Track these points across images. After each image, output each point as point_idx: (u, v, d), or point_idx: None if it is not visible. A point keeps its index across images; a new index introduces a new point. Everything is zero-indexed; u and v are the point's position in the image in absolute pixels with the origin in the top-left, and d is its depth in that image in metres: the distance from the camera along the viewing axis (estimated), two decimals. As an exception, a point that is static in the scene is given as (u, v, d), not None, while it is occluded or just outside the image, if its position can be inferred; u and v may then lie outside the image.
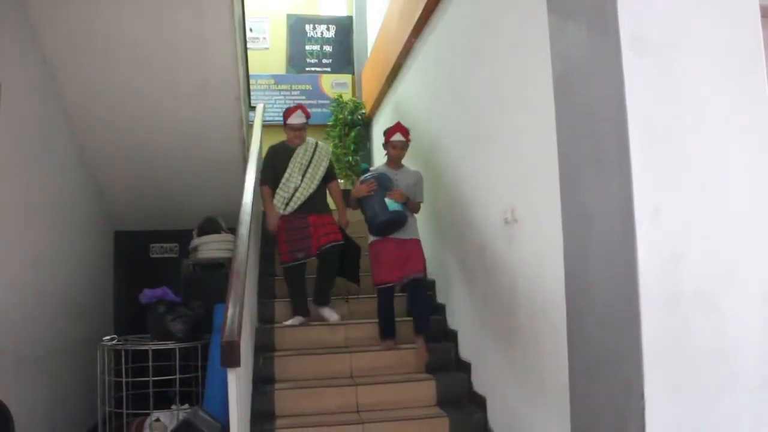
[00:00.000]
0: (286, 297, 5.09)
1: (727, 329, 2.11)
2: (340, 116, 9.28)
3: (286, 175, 4.95)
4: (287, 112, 5.09)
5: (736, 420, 2.09)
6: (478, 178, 4.36)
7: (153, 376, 4.27)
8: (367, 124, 9.41)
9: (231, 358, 3.12)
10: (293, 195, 4.90)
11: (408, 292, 4.78)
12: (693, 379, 2.07)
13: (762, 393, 2.10)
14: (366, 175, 4.83)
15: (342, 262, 5.03)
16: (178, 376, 4.30)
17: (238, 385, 3.16)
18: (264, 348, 4.62)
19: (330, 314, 4.97)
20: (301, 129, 5.03)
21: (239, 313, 3.35)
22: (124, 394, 4.33)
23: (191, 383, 4.56)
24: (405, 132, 4.86)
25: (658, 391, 2.02)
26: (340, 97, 9.53)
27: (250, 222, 4.41)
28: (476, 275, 4.37)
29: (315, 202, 4.97)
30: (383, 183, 4.59)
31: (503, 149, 3.84)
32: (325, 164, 5.08)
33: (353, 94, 10.10)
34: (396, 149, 4.80)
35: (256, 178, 4.92)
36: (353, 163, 9.38)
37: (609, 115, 2.25)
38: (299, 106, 5.12)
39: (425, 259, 4.69)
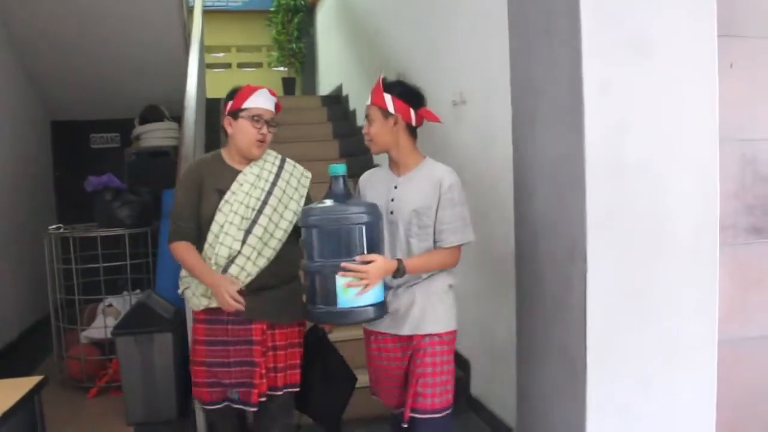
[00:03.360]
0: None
1: (665, 198, 2.23)
2: (283, 1, 8.96)
3: (220, 217, 2.53)
4: (243, 92, 2.58)
5: (669, 282, 2.24)
6: (427, 60, 4.33)
7: (103, 263, 4.27)
8: (310, 9, 9.14)
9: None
10: (232, 261, 2.51)
11: None
12: (632, 243, 2.19)
13: (693, 256, 2.25)
14: (318, 205, 2.31)
15: (311, 395, 2.75)
16: (128, 262, 4.31)
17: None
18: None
19: None
20: (267, 124, 2.57)
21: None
22: (74, 282, 4.33)
23: (141, 269, 4.58)
24: (379, 95, 2.42)
25: (599, 254, 2.14)
26: (283, -20, 9.17)
27: (195, 107, 4.32)
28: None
29: (274, 284, 2.59)
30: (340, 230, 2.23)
31: (453, 30, 3.81)
32: (297, 199, 2.65)
33: (296, -22, 9.73)
34: (372, 135, 2.45)
35: (200, 64, 4.76)
36: (296, 50, 9.18)
37: (561, -12, 2.25)
38: (263, 86, 2.64)
39: (451, 380, 2.44)
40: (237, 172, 2.58)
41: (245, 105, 2.53)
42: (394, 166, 2.49)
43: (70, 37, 5.36)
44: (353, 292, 2.16)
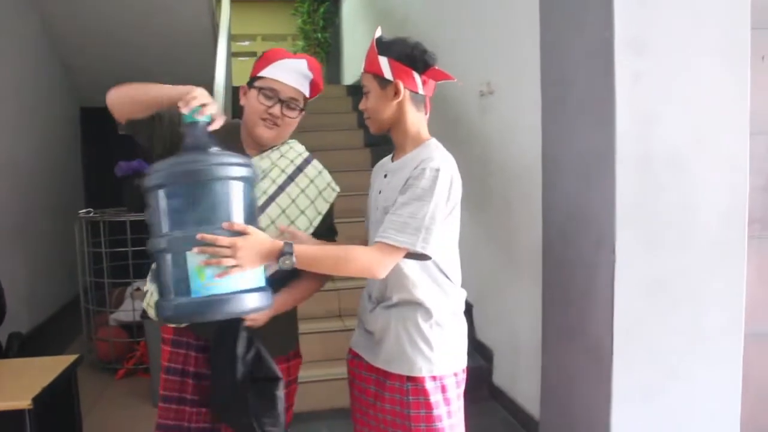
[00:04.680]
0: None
1: (694, 190, 2.24)
2: (310, -10, 9.02)
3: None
4: (266, 56, 1.93)
5: (695, 273, 2.26)
6: (453, 50, 4.34)
7: (132, 247, 4.35)
8: (336, -1, 9.17)
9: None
10: None
11: None
12: (660, 234, 2.21)
13: (720, 247, 2.26)
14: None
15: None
16: (157, 246, 4.37)
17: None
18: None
19: None
20: (283, 103, 1.86)
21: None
22: (104, 265, 4.41)
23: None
24: (373, 60, 1.82)
25: (627, 244, 2.16)
26: (309, -30, 9.21)
27: (224, 96, 4.39)
28: (449, 148, 4.44)
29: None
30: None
31: (480, 18, 3.82)
32: (311, 217, 1.93)
33: (322, -33, 9.76)
34: (369, 110, 1.87)
35: (228, 52, 4.81)
36: (322, 39, 9.21)
37: (594, -21, 2.26)
38: (304, 56, 1.98)
39: None
40: (246, 155, 1.77)
41: (262, 73, 1.84)
42: (395, 149, 1.93)
43: (101, 25, 5.43)
44: (211, 273, 1.47)
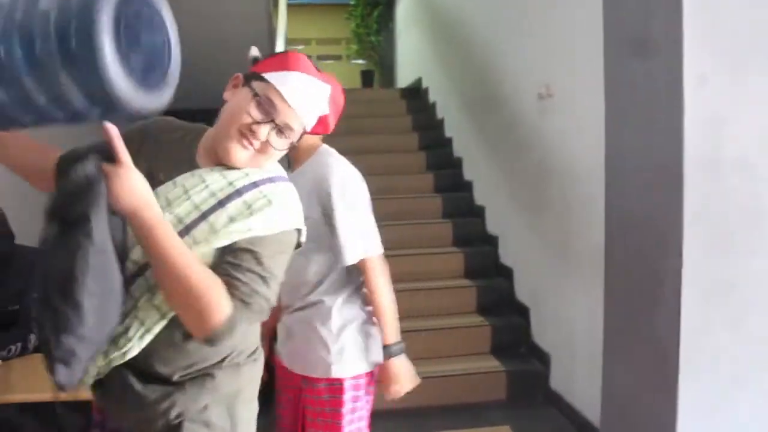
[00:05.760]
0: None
1: (763, 193, 2.18)
2: (364, -6, 9.10)
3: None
4: (282, 59, 1.37)
5: (766, 278, 2.20)
6: (509, 53, 4.32)
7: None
8: (390, 3, 9.21)
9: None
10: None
11: None
12: (727, 238, 2.15)
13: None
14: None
15: None
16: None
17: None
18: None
19: None
20: (284, 135, 1.32)
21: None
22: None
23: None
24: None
25: (694, 249, 2.12)
26: (363, -26, 9.30)
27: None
28: (504, 151, 4.43)
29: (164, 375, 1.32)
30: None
31: (539, 19, 3.80)
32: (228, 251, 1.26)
33: (376, -29, 9.84)
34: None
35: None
36: (375, 43, 9.28)
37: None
38: (331, 80, 1.67)
39: None
40: (194, 167, 1.34)
41: (268, 75, 1.32)
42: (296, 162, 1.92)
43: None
44: None
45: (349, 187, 1.83)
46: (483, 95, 4.85)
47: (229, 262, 1.23)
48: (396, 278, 4.34)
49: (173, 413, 1.30)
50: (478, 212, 4.89)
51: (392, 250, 4.37)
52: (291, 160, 1.88)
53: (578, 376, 3.31)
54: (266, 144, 1.30)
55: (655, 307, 2.27)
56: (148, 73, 1.04)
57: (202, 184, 1.30)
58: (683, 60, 2.13)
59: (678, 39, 2.14)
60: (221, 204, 1.26)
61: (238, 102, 1.32)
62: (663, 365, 2.22)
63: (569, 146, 3.38)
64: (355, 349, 1.88)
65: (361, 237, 1.83)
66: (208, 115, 4.97)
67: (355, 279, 1.92)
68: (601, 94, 2.72)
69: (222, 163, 1.33)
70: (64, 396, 1.42)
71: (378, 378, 1.90)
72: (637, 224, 2.40)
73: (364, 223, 1.86)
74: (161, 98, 1.10)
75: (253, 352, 1.44)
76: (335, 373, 1.84)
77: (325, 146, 1.92)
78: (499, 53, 4.49)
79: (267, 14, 5.89)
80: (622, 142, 2.55)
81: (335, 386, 1.85)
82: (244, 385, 1.41)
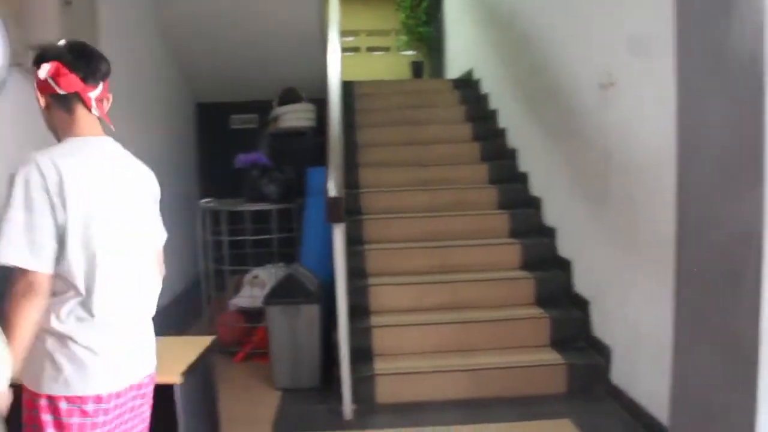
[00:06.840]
0: (370, 164, 5.16)
1: None
2: (413, -15, 9.07)
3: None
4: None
5: None
6: (566, 41, 4.25)
7: (251, 236, 4.52)
8: (440, -7, 9.17)
9: (336, 214, 3.28)
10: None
11: None
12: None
13: None
14: None
15: None
16: (277, 235, 4.54)
17: (342, 239, 3.33)
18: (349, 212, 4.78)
19: None
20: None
21: (340, 174, 3.48)
22: (224, 252, 4.61)
23: (284, 244, 4.80)
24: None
25: (778, 242, 2.06)
26: (412, -36, 9.26)
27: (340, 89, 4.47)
28: (563, 142, 4.37)
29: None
30: None
31: (598, 6, 3.73)
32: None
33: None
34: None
35: (339, 45, 4.88)
36: (425, 34, 9.25)
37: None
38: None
39: None
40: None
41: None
42: None
43: (215, 25, 5.65)
44: None
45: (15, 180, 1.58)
46: (539, 85, 4.79)
47: None
48: (454, 269, 4.38)
49: None
50: (535, 203, 4.84)
51: (449, 240, 4.43)
52: None
53: (642, 371, 3.25)
54: None
55: (733, 302, 2.21)
56: None
57: None
58: (765, 42, 2.06)
59: (761, 22, 2.07)
60: None
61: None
62: (742, 363, 2.16)
63: (633, 137, 3.31)
64: None
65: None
66: (262, 105, 4.98)
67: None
68: (669, 78, 2.66)
69: None
70: None
71: None
72: (714, 217, 2.35)
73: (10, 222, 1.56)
74: None
75: None
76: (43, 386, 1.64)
77: (71, 140, 1.74)
78: (556, 42, 4.42)
79: (318, 7, 5.91)
80: (697, 132, 2.48)
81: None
82: None
